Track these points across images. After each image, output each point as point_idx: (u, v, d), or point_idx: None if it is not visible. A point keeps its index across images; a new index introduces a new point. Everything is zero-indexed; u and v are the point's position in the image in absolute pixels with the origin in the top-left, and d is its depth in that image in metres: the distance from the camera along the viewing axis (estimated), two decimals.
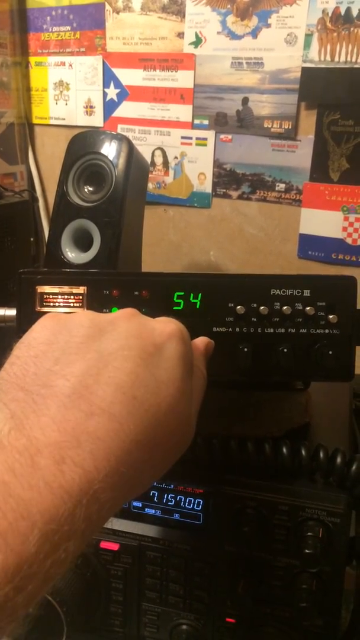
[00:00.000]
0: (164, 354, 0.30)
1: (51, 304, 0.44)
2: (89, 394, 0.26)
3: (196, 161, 1.21)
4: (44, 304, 0.44)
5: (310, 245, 1.12)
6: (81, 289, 0.43)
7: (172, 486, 0.48)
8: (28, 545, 0.21)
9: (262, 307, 0.43)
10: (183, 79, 1.18)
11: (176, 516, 0.48)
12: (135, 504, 0.50)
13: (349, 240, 1.07)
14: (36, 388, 0.26)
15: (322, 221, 1.09)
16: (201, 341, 0.39)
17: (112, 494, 0.25)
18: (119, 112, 1.28)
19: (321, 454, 0.45)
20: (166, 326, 0.32)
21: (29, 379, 0.27)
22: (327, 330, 0.43)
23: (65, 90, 1.34)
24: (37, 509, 0.22)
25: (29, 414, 0.25)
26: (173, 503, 0.48)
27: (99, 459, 0.24)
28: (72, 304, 0.43)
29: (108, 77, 1.28)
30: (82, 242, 0.75)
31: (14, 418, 0.25)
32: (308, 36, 1.05)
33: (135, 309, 0.34)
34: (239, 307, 0.43)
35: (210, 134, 1.18)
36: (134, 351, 0.29)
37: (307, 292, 0.43)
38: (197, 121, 1.19)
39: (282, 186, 1.13)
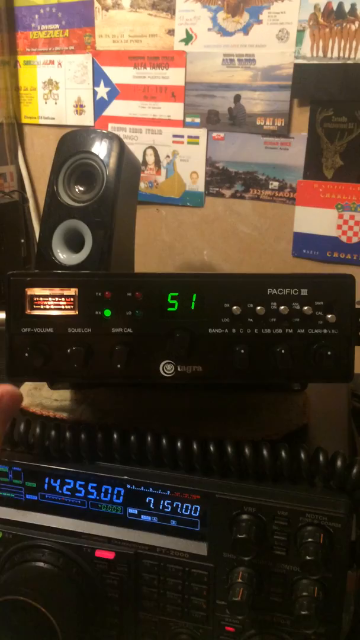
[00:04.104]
0: None
1: (42, 306, 0.42)
2: None
3: (188, 160, 1.20)
4: (34, 306, 0.42)
5: (305, 244, 1.11)
6: (72, 291, 0.42)
7: (168, 492, 0.47)
8: None
9: (258, 307, 0.42)
10: (174, 77, 1.17)
11: (173, 523, 0.47)
12: (131, 510, 0.49)
13: (343, 239, 1.07)
14: None
15: (316, 219, 1.09)
16: None
17: None
18: (109, 111, 1.27)
19: (321, 458, 0.44)
20: None
21: None
22: (325, 330, 0.43)
23: (55, 89, 1.33)
24: None
25: None
26: (169, 509, 0.47)
27: None
28: (63, 306, 0.42)
29: (98, 76, 1.27)
30: (74, 243, 0.74)
31: None
32: (300, 32, 1.04)
33: None
34: (235, 307, 0.42)
35: (202, 132, 1.17)
36: None
37: (304, 292, 0.43)
38: (188, 119, 1.18)
39: (275, 184, 1.12)
